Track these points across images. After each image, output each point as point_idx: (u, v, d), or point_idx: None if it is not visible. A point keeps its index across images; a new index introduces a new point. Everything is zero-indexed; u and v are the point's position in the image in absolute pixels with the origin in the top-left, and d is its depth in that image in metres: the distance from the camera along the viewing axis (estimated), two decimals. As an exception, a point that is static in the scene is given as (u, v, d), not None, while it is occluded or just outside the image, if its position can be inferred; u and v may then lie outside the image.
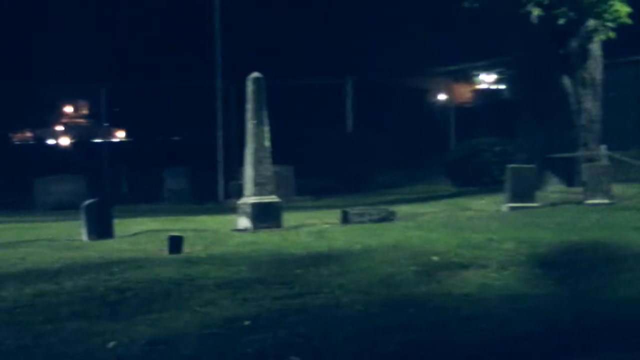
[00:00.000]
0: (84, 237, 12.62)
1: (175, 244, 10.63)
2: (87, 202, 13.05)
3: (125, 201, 22.54)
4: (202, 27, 26.68)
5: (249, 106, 13.81)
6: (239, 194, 14.83)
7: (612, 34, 18.58)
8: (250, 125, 13.76)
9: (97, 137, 48.91)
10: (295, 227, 13.16)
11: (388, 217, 13.78)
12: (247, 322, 6.86)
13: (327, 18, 40.20)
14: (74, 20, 41.58)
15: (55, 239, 12.79)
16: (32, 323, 7.06)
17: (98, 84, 30.41)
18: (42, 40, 41.52)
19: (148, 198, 24.17)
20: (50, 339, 6.56)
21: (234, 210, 14.38)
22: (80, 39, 40.98)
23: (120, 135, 51.17)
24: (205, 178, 25.33)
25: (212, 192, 24.67)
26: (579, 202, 15.39)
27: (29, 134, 60.14)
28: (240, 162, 15.51)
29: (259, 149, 13.66)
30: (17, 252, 11.11)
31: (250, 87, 13.83)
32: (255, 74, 13.94)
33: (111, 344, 6.37)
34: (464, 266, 9.05)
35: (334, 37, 39.01)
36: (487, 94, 39.51)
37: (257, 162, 13.63)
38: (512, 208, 14.91)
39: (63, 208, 20.76)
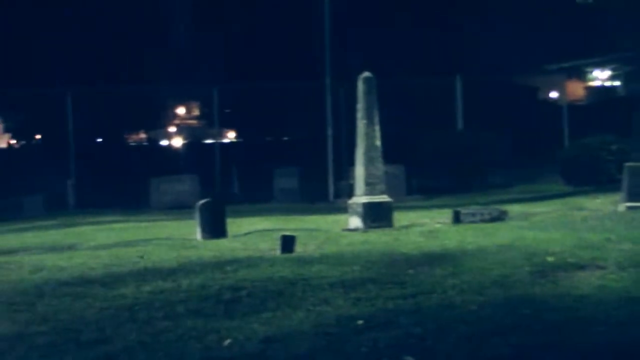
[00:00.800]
0: (198, 236, 12.86)
1: (288, 243, 10.73)
2: (201, 202, 13.31)
3: (237, 201, 22.89)
4: (312, 27, 26.85)
5: (360, 105, 13.83)
6: (349, 193, 14.89)
7: None
8: (360, 124, 13.78)
9: (209, 137, 49.79)
10: (406, 227, 13.12)
11: (500, 217, 13.62)
12: (360, 322, 6.87)
13: (436, 16, 39.93)
14: (188, 23, 42.35)
15: (171, 238, 13.08)
16: (151, 320, 7.23)
17: (210, 85, 30.90)
18: (155, 43, 42.45)
19: (259, 198, 24.46)
20: (168, 336, 6.69)
21: (344, 209, 14.43)
22: (193, 42, 41.72)
23: (230, 135, 51.94)
24: (314, 178, 25.48)
25: (322, 191, 24.80)
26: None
27: (143, 135, 61.66)
28: (350, 162, 15.56)
29: (369, 148, 13.68)
30: (136, 251, 11.41)
31: (361, 87, 13.86)
32: (366, 74, 13.96)
33: (227, 342, 6.46)
34: (581, 267, 8.86)
35: (443, 35, 38.72)
36: (601, 91, 38.61)
37: (368, 161, 13.64)
38: (630, 208, 14.53)
39: (177, 207, 21.21)
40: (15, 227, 18.14)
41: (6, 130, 63.49)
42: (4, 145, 63.78)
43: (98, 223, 17.63)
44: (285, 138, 46.43)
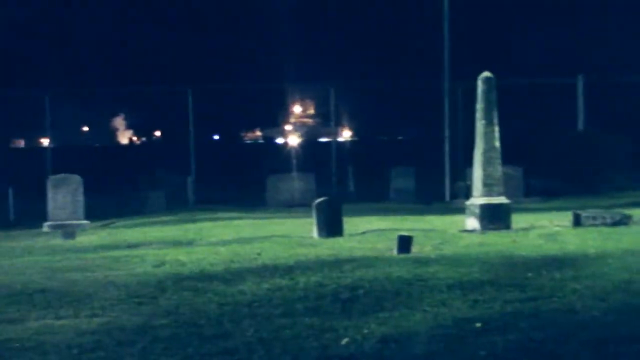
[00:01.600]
0: (315, 234, 12.95)
1: (405, 243, 10.72)
2: (318, 200, 13.39)
3: (352, 200, 22.95)
4: (430, 27, 26.72)
5: (479, 106, 13.69)
6: (466, 194, 14.77)
7: None
8: (479, 125, 13.64)
9: (324, 136, 50.09)
10: (525, 229, 12.92)
11: (623, 221, 13.27)
12: (478, 324, 6.80)
13: (557, 15, 39.18)
14: (306, 22, 42.70)
15: (288, 236, 13.21)
16: (269, 317, 7.32)
17: (327, 84, 31.06)
18: (273, 41, 42.93)
19: (374, 197, 24.46)
20: (286, 333, 6.76)
21: (460, 210, 14.30)
22: (310, 41, 41.99)
23: (345, 134, 52.12)
24: (430, 178, 25.34)
25: (438, 192, 24.64)
26: None
27: (258, 133, 62.50)
28: (466, 163, 15.42)
29: (488, 149, 13.53)
30: (254, 248, 11.57)
31: (480, 87, 13.72)
32: (486, 74, 13.81)
33: (344, 341, 6.49)
34: None
35: (565, 35, 37.98)
36: None
37: (486, 162, 13.49)
38: None
39: (293, 205, 21.40)
40: (138, 221, 18.63)
41: (128, 127, 65.33)
42: (125, 141, 65.63)
43: (216, 219, 17.94)
44: (400, 137, 46.35)
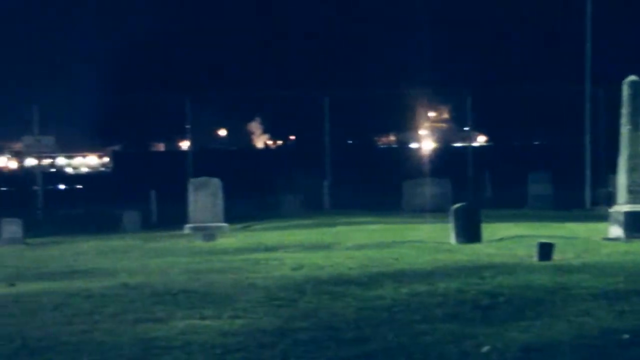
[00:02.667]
0: (452, 240, 12.84)
1: (545, 250, 10.50)
2: (456, 205, 13.27)
3: (489, 205, 22.64)
4: (571, 29, 26.11)
5: (624, 111, 13.29)
6: (608, 201, 14.36)
7: None
8: (624, 130, 13.25)
9: (458, 141, 49.60)
10: (673, 239, 12.47)
11: None
12: (625, 336, 6.59)
13: None
14: (442, 26, 42.43)
15: (425, 241, 13.14)
16: (409, 322, 7.28)
17: (464, 89, 30.72)
18: (408, 46, 42.81)
19: (511, 203, 24.07)
20: (426, 339, 6.71)
21: (602, 218, 13.92)
22: (445, 46, 41.74)
23: (480, 139, 51.47)
24: (569, 184, 24.75)
25: (577, 198, 24.04)
26: None
27: (392, 138, 62.40)
28: (609, 169, 14.98)
29: (633, 155, 13.12)
30: (391, 253, 11.56)
31: (625, 91, 13.32)
32: (632, 78, 13.40)
33: (485, 348, 6.39)
34: None
35: None
36: None
37: (631, 169, 13.09)
38: None
39: (429, 210, 21.26)
40: (275, 224, 18.89)
41: (264, 131, 66.34)
42: (261, 145, 66.68)
43: (352, 224, 18.01)
44: (537, 142, 45.46)
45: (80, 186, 51.45)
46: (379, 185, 29.29)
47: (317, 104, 30.26)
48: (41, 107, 28.74)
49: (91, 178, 59.51)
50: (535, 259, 10.48)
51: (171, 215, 22.02)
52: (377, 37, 44.48)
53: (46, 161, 57.51)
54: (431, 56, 40.05)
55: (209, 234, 15.94)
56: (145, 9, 55.53)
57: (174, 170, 34.11)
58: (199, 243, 15.30)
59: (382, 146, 57.49)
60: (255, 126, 68.49)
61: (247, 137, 69.56)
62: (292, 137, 57.06)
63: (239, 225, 19.04)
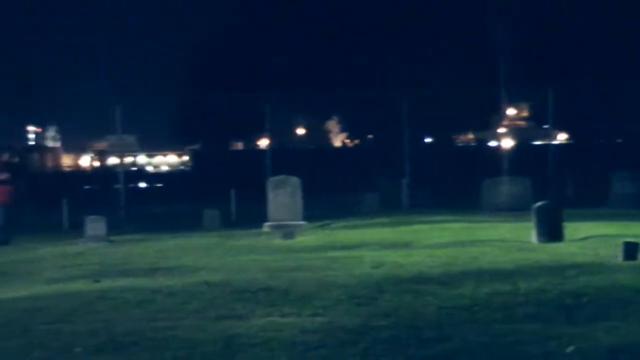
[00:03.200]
0: (534, 239, 12.67)
1: (631, 250, 10.30)
2: (538, 204, 13.10)
3: (571, 204, 22.27)
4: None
5: None
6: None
7: None
8: None
9: (538, 139, 48.90)
10: None
11: None
12: None
13: None
14: (521, 23, 41.91)
15: (505, 240, 13.00)
16: (490, 321, 7.21)
17: (545, 86, 30.26)
18: (488, 44, 42.40)
19: (593, 202, 23.65)
20: (507, 339, 6.63)
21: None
22: (525, 42, 41.24)
23: (560, 137, 50.66)
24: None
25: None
26: None
27: (471, 136, 61.84)
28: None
29: None
30: (471, 252, 11.47)
31: None
32: None
33: (570, 349, 6.29)
34: None
35: None
36: None
37: None
38: None
39: (509, 209, 21.01)
40: (353, 223, 18.90)
41: (342, 130, 66.37)
42: (338, 144, 66.73)
43: (431, 222, 17.91)
44: (619, 140, 44.58)
45: (161, 184, 52.23)
46: (457, 184, 29.07)
47: (396, 102, 30.15)
48: (124, 106, 29.26)
49: (171, 176, 60.35)
50: (619, 258, 10.28)
51: (250, 214, 22.17)
52: (455, 35, 44.11)
53: (128, 160, 58.55)
54: (510, 53, 39.57)
55: (288, 232, 16.02)
56: (226, 8, 56.07)
57: (252, 168, 34.39)
58: (278, 241, 15.39)
59: (460, 145, 57.04)
60: (332, 125, 68.59)
61: (325, 136, 69.68)
62: (370, 136, 56.91)
63: (317, 224, 19.09)
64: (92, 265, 12.38)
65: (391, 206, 23.93)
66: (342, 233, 16.52)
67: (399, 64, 42.73)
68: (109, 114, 29.35)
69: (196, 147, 62.53)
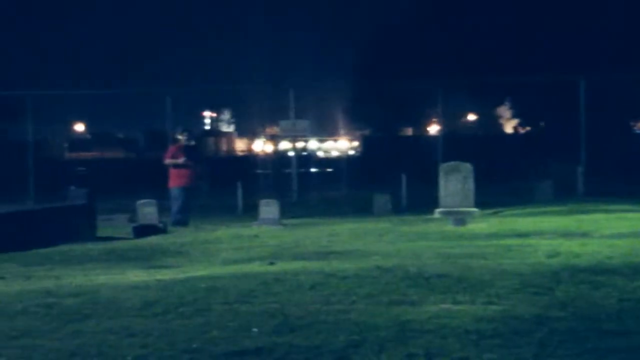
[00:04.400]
0: None
1: None
2: None
3: None
4: None
5: None
6: None
7: None
8: None
9: None
10: None
11: None
12: None
13: None
14: None
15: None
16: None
17: None
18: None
19: None
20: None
21: None
22: None
23: None
24: None
25: None
26: None
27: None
28: None
29: None
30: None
31: None
32: None
33: None
34: None
35: None
36: None
37: None
38: None
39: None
40: (526, 210, 18.57)
41: (513, 116, 65.16)
42: (510, 130, 65.54)
43: (608, 211, 17.35)
44: None
45: (330, 169, 52.89)
46: (637, 172, 28.02)
47: (571, 87, 29.31)
48: (296, 90, 29.74)
49: (341, 162, 60.99)
50: None
51: (420, 199, 22.13)
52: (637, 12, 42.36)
53: (299, 145, 59.55)
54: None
55: (460, 219, 15.88)
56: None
57: (422, 154, 34.30)
58: (450, 227, 15.27)
59: (638, 131, 54.96)
60: (504, 111, 67.45)
61: (496, 122, 68.60)
62: (542, 123, 55.64)
63: (489, 211, 18.84)
64: (266, 247, 12.66)
65: (565, 194, 23.33)
66: (515, 221, 16.24)
67: (575, 45, 41.49)
68: (282, 98, 29.94)
69: (366, 132, 62.90)
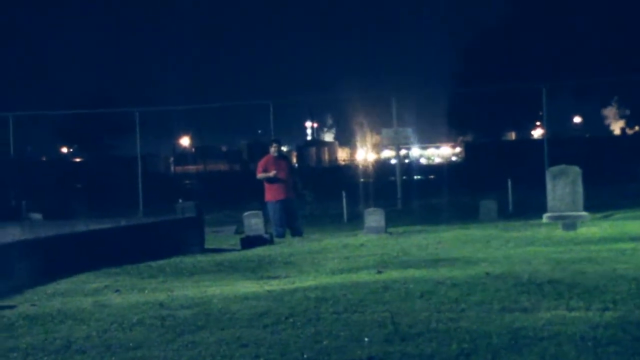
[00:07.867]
0: None
1: None
2: None
3: None
4: None
5: None
6: None
7: None
8: None
9: None
10: None
11: None
12: None
13: None
14: None
15: None
16: None
17: None
18: None
19: None
20: None
21: None
22: None
23: None
24: None
25: None
26: None
27: None
28: None
29: None
30: None
31: None
32: None
33: None
34: None
35: None
36: None
37: None
38: None
39: None
40: (638, 214, 18.08)
41: (621, 117, 63.65)
42: (618, 131, 64.01)
43: None
44: None
45: (433, 176, 52.59)
46: None
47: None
48: (399, 100, 29.70)
49: (444, 168, 60.56)
50: None
51: (526, 204, 21.77)
52: None
53: (402, 152, 59.44)
54: None
55: (569, 223, 15.56)
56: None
57: (527, 158, 33.79)
58: (559, 232, 14.98)
59: None
60: (611, 112, 65.99)
61: (603, 123, 67.19)
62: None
63: (599, 214, 18.41)
64: (373, 256, 12.63)
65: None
66: (627, 224, 15.82)
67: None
68: (385, 107, 29.93)
69: (468, 138, 62.35)
